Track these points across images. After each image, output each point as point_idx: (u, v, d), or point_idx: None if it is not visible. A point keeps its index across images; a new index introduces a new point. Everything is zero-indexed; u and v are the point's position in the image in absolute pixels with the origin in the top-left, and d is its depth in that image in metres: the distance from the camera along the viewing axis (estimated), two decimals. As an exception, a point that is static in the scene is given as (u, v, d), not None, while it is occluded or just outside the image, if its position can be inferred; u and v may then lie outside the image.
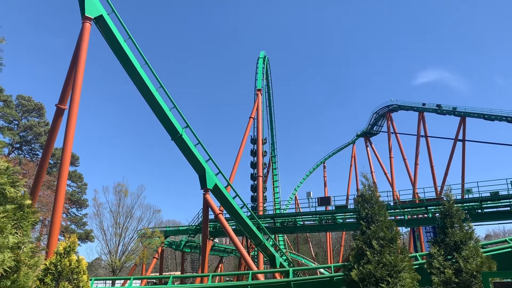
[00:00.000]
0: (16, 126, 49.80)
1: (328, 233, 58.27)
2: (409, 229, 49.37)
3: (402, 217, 32.84)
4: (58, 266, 7.94)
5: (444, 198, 14.25)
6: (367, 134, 64.34)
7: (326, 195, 53.68)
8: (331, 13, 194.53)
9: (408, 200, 36.36)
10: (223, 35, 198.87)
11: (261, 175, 40.07)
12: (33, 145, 50.96)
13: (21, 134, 49.61)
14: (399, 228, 38.43)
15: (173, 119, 23.98)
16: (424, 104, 55.71)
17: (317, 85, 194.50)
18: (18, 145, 50.16)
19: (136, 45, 22.26)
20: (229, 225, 29.30)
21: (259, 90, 42.69)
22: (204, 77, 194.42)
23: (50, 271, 7.91)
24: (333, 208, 36.16)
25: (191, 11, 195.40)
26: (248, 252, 33.51)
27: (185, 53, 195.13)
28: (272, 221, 36.86)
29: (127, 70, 22.29)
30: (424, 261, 14.37)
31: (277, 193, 52.70)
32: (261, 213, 37.88)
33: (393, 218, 32.96)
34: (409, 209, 33.06)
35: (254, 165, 43.30)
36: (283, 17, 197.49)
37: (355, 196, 12.26)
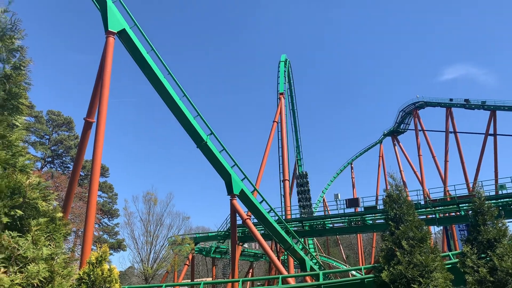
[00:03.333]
0: (47, 140, 51.38)
1: (358, 234, 57.55)
2: (442, 228, 48.30)
3: (434, 216, 32.14)
4: (91, 276, 8.18)
5: (476, 195, 13.94)
6: (394, 133, 63.37)
7: (354, 197, 53.02)
8: (354, 9, 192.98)
9: (439, 198, 35.57)
10: (243, 40, 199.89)
11: (287, 178, 39.99)
12: (64, 158, 52.44)
13: (52, 148, 51.13)
14: (431, 227, 37.68)
15: (197, 127, 24.27)
16: (451, 100, 54.57)
17: (340, 85, 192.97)
18: (50, 159, 51.71)
19: (158, 56, 22.68)
20: (258, 230, 29.36)
21: (281, 93, 42.69)
22: (225, 81, 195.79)
23: (83, 280, 8.16)
24: (362, 209, 35.75)
25: (203, 13, 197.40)
26: (278, 257, 33.48)
27: (204, 58, 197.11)
28: (301, 224, 36.72)
29: (151, 80, 22.72)
30: (457, 260, 14.06)
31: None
32: (289, 217, 37.78)
33: (424, 217, 32.29)
34: (440, 208, 32.34)
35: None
36: (302, 18, 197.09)
37: (384, 197, 12.13)
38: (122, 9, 21.82)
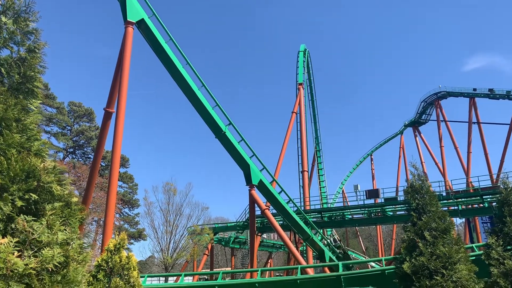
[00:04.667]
0: (69, 131, 52.21)
1: (378, 226, 57.02)
2: (464, 220, 47.42)
3: (456, 207, 31.52)
4: (109, 263, 8.19)
5: (501, 186, 13.51)
6: (415, 124, 62.29)
7: (374, 188, 52.50)
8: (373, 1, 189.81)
9: (461, 189, 34.83)
10: (260, 30, 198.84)
11: (306, 169, 39.74)
12: (85, 149, 53.24)
13: (74, 139, 51.94)
14: (453, 219, 36.95)
15: (216, 117, 24.21)
16: (475, 90, 53.25)
17: (360, 76, 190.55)
18: (71, 150, 52.55)
19: (177, 46, 22.63)
20: (276, 221, 29.28)
21: (300, 84, 42.28)
22: (243, 71, 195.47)
23: (102, 267, 8.18)
24: (382, 200, 35.30)
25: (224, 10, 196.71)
26: (297, 247, 33.35)
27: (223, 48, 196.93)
28: (320, 215, 36.50)
29: (170, 70, 22.71)
30: (481, 252, 13.68)
31: (323, 187, 52.16)
32: (308, 207, 37.60)
33: (446, 208, 31.67)
34: (463, 199, 31.68)
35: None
36: (321, 6, 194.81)
37: (405, 188, 11.83)
38: (140, -1, 21.82)
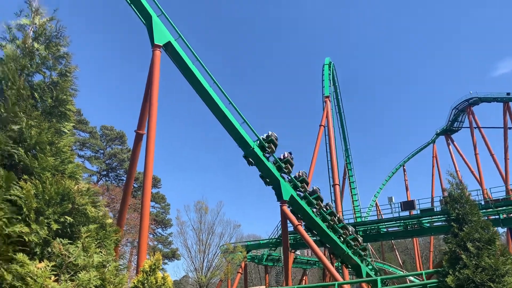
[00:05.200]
0: (102, 154, 53.40)
1: (414, 239, 55.33)
2: (505, 229, 45.44)
3: (497, 216, 30.23)
4: (145, 284, 8.14)
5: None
6: (447, 132, 60.66)
7: (408, 199, 51.12)
8: (402, 6, 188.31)
9: (501, 197, 33.42)
10: (285, 42, 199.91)
11: (338, 183, 39.13)
12: (118, 171, 54.27)
13: (107, 162, 53.06)
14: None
15: (244, 134, 24.24)
16: (508, 94, 51.58)
17: (387, 86, 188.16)
18: (105, 172, 53.65)
19: (203, 66, 22.89)
20: (310, 236, 28.80)
21: (327, 97, 41.99)
22: (268, 85, 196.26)
23: (138, 289, 8.13)
24: (418, 212, 34.27)
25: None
26: (332, 263, 32.66)
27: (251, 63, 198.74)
28: (354, 229, 35.73)
29: (197, 89, 22.98)
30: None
31: (356, 201, 51.21)
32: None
33: (485, 218, 30.47)
34: (503, 207, 30.38)
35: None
36: (347, 16, 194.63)
37: (442, 197, 11.31)
38: (166, 22, 22.27)
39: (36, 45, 4.92)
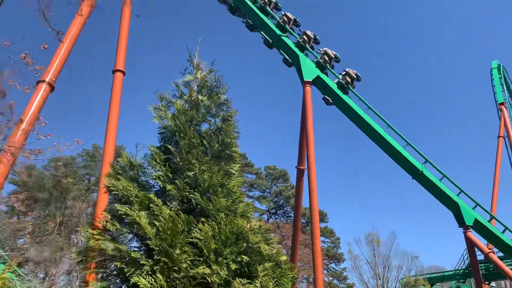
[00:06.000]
0: (268, 193, 56.10)
1: None
2: None
3: None
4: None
5: None
6: None
7: None
8: None
9: None
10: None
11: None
12: (285, 208, 56.12)
13: (274, 200, 55.46)
14: None
15: (409, 157, 22.64)
16: None
17: None
18: (273, 211, 56.00)
19: (355, 93, 22.53)
20: (506, 264, 24.91)
21: (501, 104, 37.04)
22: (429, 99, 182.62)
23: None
24: None
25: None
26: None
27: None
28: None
29: (350, 117, 22.61)
30: None
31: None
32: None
33: None
34: None
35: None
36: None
37: None
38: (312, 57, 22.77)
39: (200, 97, 5.36)
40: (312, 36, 23.60)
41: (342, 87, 22.61)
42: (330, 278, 52.03)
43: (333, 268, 55.81)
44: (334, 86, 22.24)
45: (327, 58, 22.90)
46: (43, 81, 14.35)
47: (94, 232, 4.72)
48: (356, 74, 23.06)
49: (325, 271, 49.92)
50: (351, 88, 22.56)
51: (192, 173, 4.77)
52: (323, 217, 55.49)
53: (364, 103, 22.63)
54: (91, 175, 49.81)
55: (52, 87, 15.02)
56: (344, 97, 22.20)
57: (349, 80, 22.72)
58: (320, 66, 22.84)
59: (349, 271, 52.16)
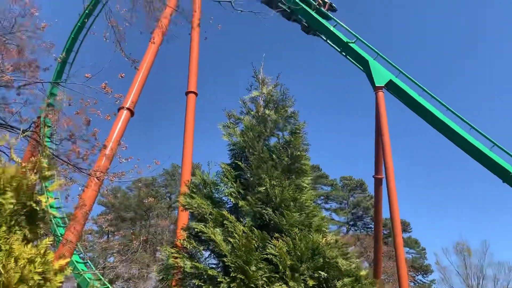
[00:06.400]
0: (346, 205, 54.76)
1: None
2: None
3: None
4: None
5: None
6: None
7: None
8: None
9: None
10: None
11: None
12: (364, 220, 54.37)
13: (352, 211, 54.02)
14: None
15: (498, 159, 20.96)
16: None
17: None
18: (352, 223, 54.51)
19: (431, 94, 21.44)
20: None
21: None
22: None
23: None
24: None
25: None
26: None
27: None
28: None
29: (428, 121, 21.46)
30: None
31: None
32: None
33: None
34: None
35: None
36: None
37: None
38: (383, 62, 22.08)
39: (267, 111, 5.37)
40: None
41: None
42: (419, 291, 49.31)
43: (421, 280, 52.92)
44: (409, 90, 21.35)
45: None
46: (123, 107, 15.40)
47: (173, 250, 4.87)
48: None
49: (412, 284, 47.40)
50: (426, 90, 21.49)
51: (263, 188, 4.76)
52: (405, 227, 52.99)
53: (443, 105, 21.42)
54: (171, 193, 52.10)
55: (132, 113, 16.07)
56: (424, 102, 21.16)
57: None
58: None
59: (438, 283, 49.14)
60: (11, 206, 3.29)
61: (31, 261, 3.11)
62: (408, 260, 49.06)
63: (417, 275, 52.67)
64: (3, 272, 2.86)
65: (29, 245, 3.24)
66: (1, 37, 8.09)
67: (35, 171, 3.85)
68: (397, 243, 18.22)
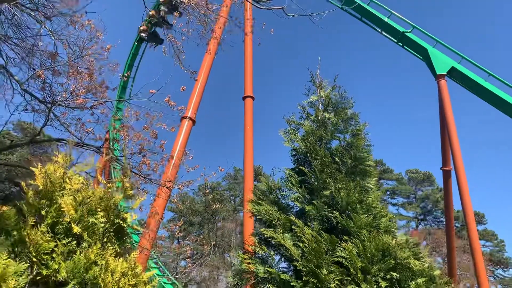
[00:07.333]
0: (414, 199, 52.85)
1: None
2: None
3: None
4: None
5: None
6: None
7: None
8: None
9: None
10: None
11: None
12: (435, 213, 52.18)
13: (420, 205, 52.04)
14: None
15: None
16: None
17: None
18: (421, 217, 52.51)
19: (499, 78, 20.29)
20: None
21: None
22: None
23: None
24: None
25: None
26: None
27: None
28: None
29: (497, 107, 20.35)
30: None
31: None
32: None
33: None
34: None
35: None
36: None
37: None
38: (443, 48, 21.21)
39: (326, 115, 5.42)
40: None
41: None
42: (499, 287, 46.52)
43: (501, 274, 49.86)
44: (474, 76, 20.34)
45: None
46: (186, 117, 16.10)
47: (245, 256, 5.06)
48: None
49: (491, 278, 44.81)
50: (493, 75, 20.33)
51: (328, 192, 4.82)
52: (480, 219, 50.25)
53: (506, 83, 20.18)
54: (235, 196, 53.14)
55: (193, 121, 16.75)
56: (490, 87, 20.05)
57: None
58: None
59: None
60: (102, 225, 3.66)
61: (124, 274, 3.43)
62: (486, 254, 46.43)
63: (497, 269, 49.70)
64: (102, 286, 3.20)
65: (121, 259, 3.58)
66: (74, 64, 8.75)
67: (118, 191, 4.22)
68: (471, 237, 17.49)
